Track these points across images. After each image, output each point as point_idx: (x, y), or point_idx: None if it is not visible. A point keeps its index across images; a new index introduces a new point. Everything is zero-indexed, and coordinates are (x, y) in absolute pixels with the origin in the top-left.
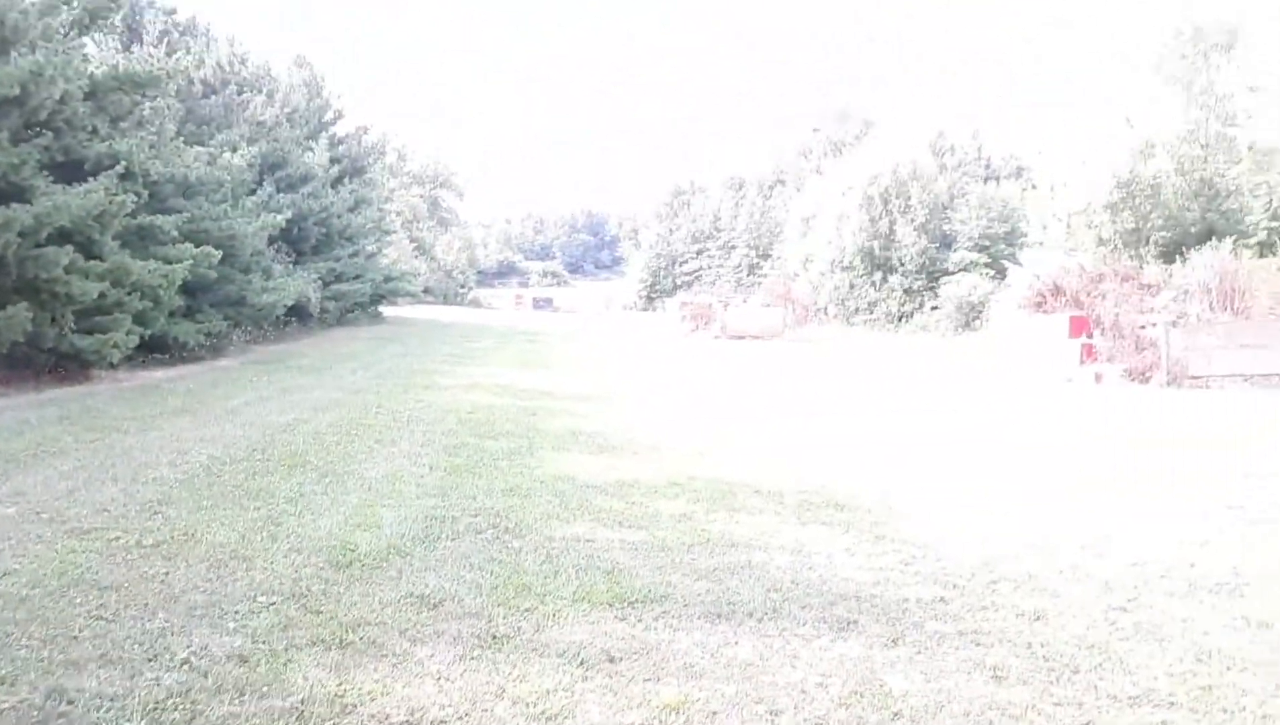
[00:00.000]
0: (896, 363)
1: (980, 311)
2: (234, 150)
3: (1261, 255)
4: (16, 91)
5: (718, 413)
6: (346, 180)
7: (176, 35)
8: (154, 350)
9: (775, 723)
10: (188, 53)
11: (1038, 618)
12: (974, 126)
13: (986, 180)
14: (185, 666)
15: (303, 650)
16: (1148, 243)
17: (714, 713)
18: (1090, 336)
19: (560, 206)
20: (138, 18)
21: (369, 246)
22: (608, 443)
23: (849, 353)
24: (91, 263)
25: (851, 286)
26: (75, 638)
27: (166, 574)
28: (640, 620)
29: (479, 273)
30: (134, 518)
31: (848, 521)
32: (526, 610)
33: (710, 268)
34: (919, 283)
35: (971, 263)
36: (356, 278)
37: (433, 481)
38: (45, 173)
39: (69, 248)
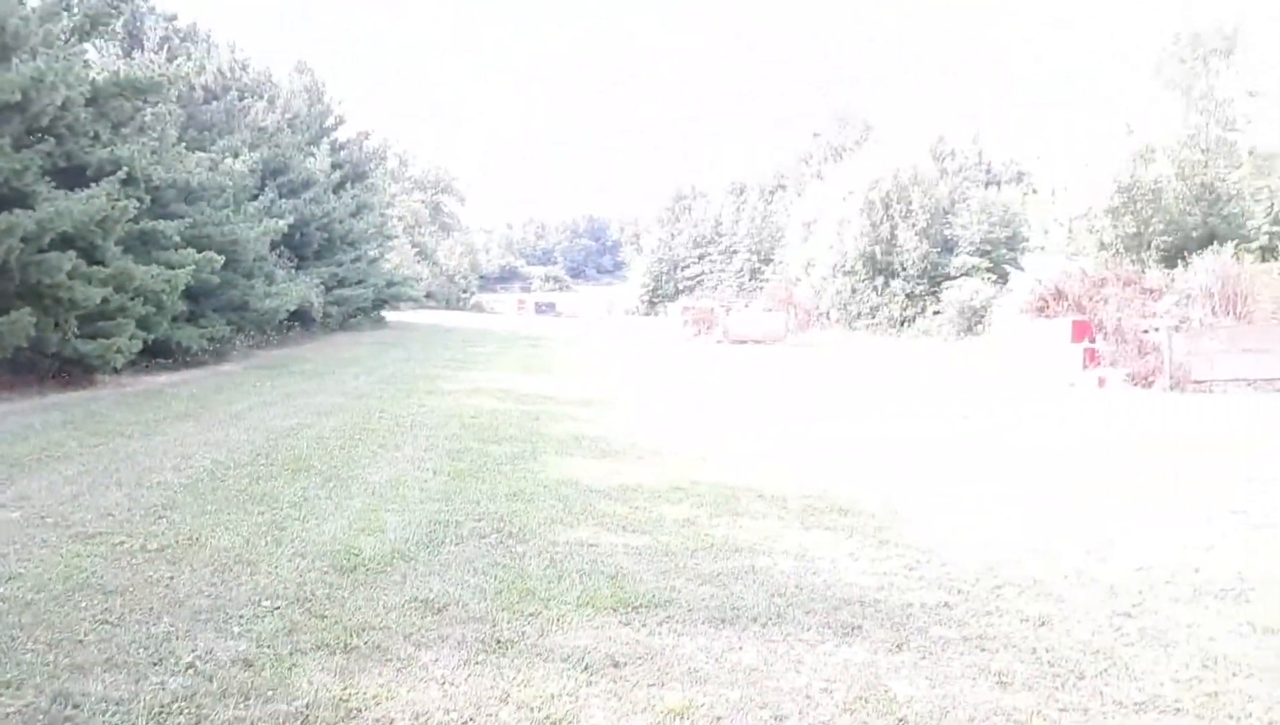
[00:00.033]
0: (899, 367)
1: (982, 316)
2: (236, 156)
3: (1263, 260)
4: (18, 97)
5: (720, 417)
6: (348, 186)
7: (177, 41)
8: (157, 355)
9: None
10: (189, 59)
11: (1042, 623)
12: (975, 130)
13: (988, 185)
14: (190, 671)
15: (307, 655)
16: (1149, 247)
17: (718, 718)
18: (1093, 341)
19: (562, 211)
20: (139, 24)
21: (371, 251)
22: (611, 447)
23: (851, 357)
24: (94, 268)
25: (853, 291)
26: (80, 642)
27: (171, 578)
28: (644, 625)
29: (481, 278)
30: (138, 522)
31: (851, 526)
32: (530, 615)
33: (712, 272)
34: (921, 287)
35: (973, 267)
36: (359, 283)
37: (436, 486)
38: (48, 178)
39: (72, 253)
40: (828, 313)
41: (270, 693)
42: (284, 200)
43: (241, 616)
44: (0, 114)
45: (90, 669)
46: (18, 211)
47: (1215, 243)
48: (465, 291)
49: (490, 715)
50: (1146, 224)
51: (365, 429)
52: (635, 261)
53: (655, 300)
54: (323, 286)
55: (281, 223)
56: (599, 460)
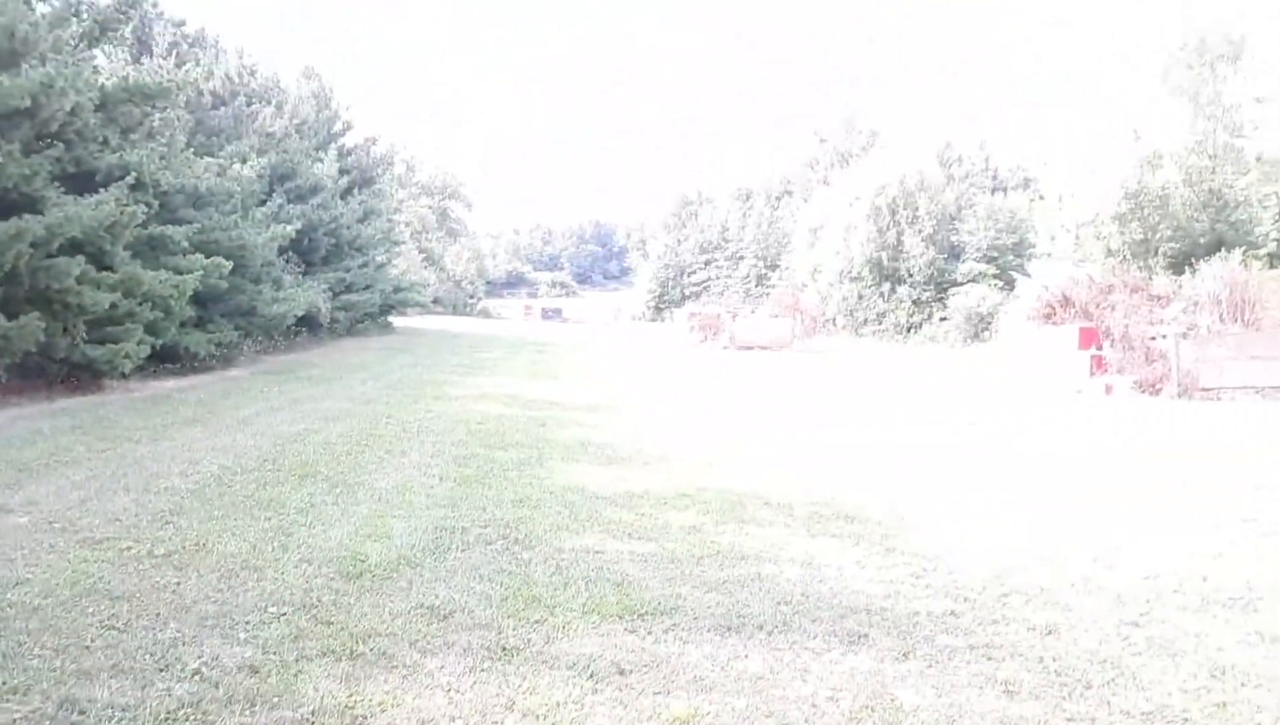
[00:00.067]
0: (905, 374)
1: (989, 323)
2: (244, 161)
3: (1271, 266)
4: (28, 103)
5: (727, 424)
6: (356, 191)
7: (186, 47)
8: (165, 360)
9: None
10: (197, 64)
11: (1049, 632)
12: (981, 136)
13: (994, 191)
14: (196, 677)
15: (313, 661)
16: (1156, 254)
17: None
18: (1100, 348)
19: (568, 217)
20: (147, 30)
21: (378, 257)
22: (617, 454)
23: (857, 363)
24: (103, 273)
25: (860, 297)
26: (87, 647)
27: (178, 584)
28: (650, 633)
29: (488, 283)
30: (146, 527)
31: (858, 534)
32: (536, 622)
33: (718, 278)
34: (927, 294)
35: (980, 274)
36: (366, 288)
37: (442, 492)
38: (57, 184)
39: (80, 258)
40: (834, 319)
41: (276, 699)
42: (292, 206)
43: (248, 623)
44: (10, 119)
45: (97, 675)
46: (27, 217)
47: (1223, 249)
48: (472, 297)
49: (495, 723)
50: (1154, 230)
51: (372, 435)
52: (641, 267)
53: (661, 306)
54: (330, 292)
55: (289, 228)
56: (605, 466)
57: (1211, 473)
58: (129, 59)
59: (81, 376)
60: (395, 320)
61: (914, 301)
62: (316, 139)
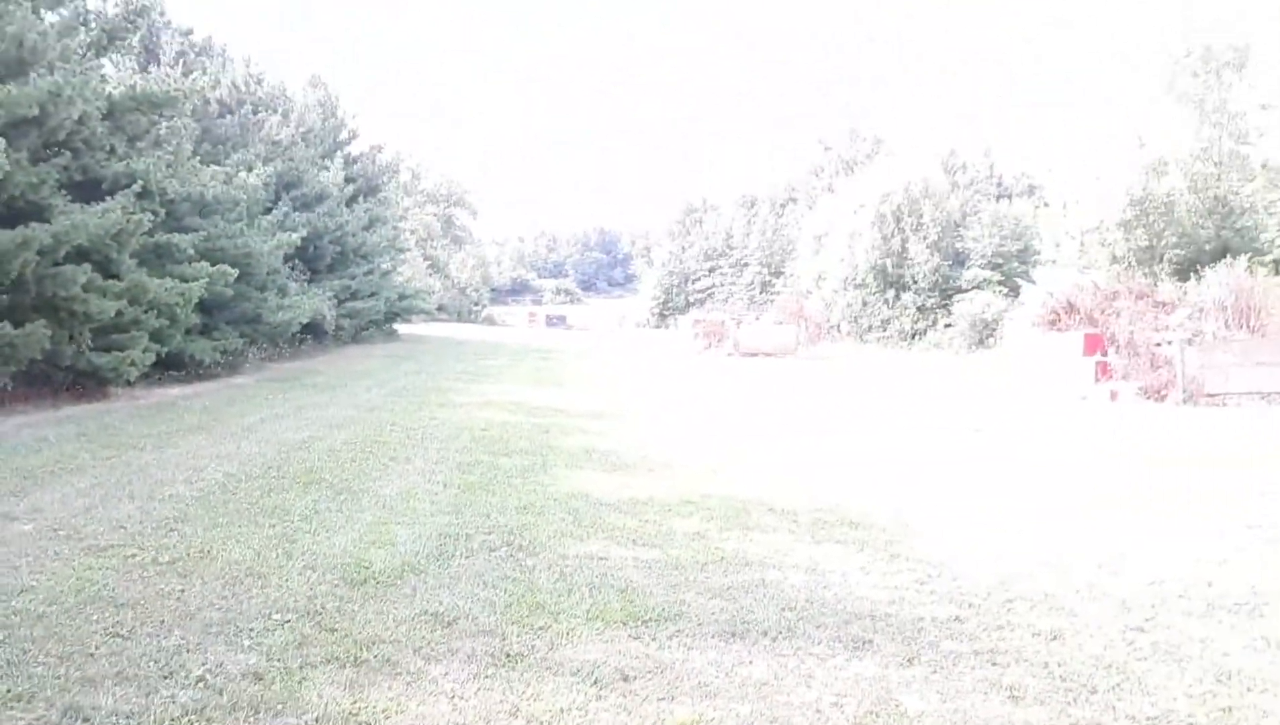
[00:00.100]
0: (909, 380)
1: (994, 329)
2: (250, 169)
3: (1277, 273)
4: (35, 112)
5: (731, 430)
6: (361, 199)
7: (193, 56)
8: (170, 368)
9: None
10: (204, 73)
11: (1054, 637)
12: (985, 143)
13: (999, 198)
14: (201, 684)
15: (317, 668)
16: (1161, 260)
17: None
18: (1105, 354)
19: (573, 224)
20: (155, 39)
21: (383, 264)
22: (621, 460)
23: (862, 370)
24: (109, 281)
25: (864, 304)
26: (92, 655)
27: (182, 591)
28: (654, 639)
29: (492, 290)
30: (150, 535)
31: (862, 540)
32: (540, 629)
33: (723, 285)
34: (932, 300)
35: (985, 280)
36: (371, 295)
37: (447, 499)
38: (64, 192)
39: (87, 266)
40: (839, 326)
41: (280, 706)
42: (297, 214)
43: (252, 629)
44: (18, 128)
45: (101, 682)
46: (34, 224)
47: (1228, 256)
48: (477, 304)
49: None
50: (1159, 237)
51: (376, 442)
52: (646, 274)
53: (666, 313)
54: (335, 299)
55: (295, 236)
56: (609, 473)
57: (1216, 479)
58: (136, 68)
59: (87, 384)
60: (400, 327)
61: (919, 308)
62: (322, 147)
